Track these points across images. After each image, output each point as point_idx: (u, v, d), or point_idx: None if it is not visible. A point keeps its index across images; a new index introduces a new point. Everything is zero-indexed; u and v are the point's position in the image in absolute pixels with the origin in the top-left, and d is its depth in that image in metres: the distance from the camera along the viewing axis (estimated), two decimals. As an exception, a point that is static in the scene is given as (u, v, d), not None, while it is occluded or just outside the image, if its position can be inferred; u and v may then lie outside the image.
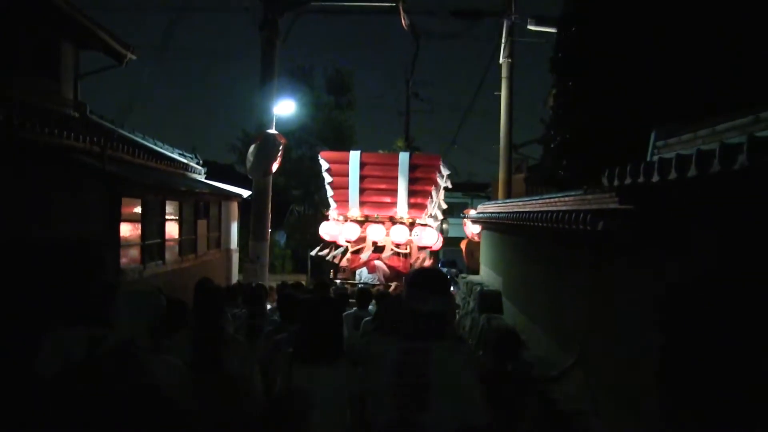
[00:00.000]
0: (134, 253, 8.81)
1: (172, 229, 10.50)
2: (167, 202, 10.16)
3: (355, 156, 14.25)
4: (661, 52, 4.00)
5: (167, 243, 10.14)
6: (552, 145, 5.07)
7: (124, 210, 8.45)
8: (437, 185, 14.39)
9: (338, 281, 13.79)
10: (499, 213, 8.67)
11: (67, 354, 3.14)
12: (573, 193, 5.55)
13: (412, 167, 14.04)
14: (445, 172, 14.34)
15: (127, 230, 8.60)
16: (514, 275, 8.54)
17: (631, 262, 3.91)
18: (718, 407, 3.11)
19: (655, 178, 2.95)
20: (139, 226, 8.95)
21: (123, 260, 8.28)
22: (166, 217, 10.12)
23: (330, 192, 14.79)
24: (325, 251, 14.75)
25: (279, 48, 13.53)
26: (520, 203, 7.97)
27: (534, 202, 7.16)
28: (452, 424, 2.68)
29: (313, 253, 15.42)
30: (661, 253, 3.60)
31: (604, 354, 4.34)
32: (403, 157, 14.24)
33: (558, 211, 5.15)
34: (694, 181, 2.68)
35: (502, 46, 15.11)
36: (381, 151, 20.31)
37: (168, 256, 10.16)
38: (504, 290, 9.15)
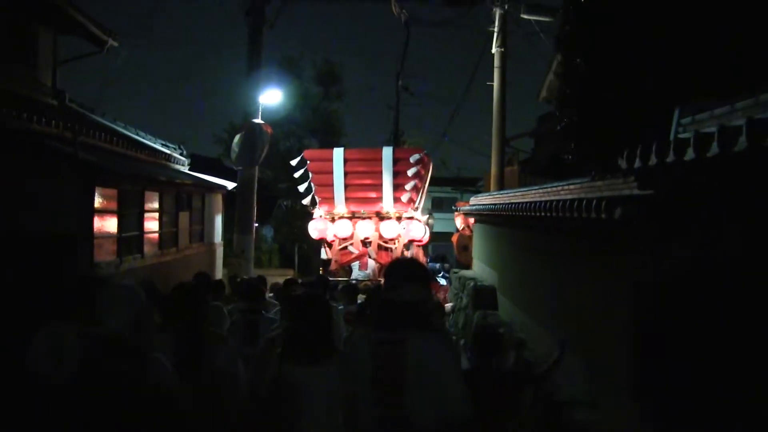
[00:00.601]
0: (110, 246, 8.33)
1: (151, 222, 10.02)
2: (147, 193, 9.67)
3: (338, 153, 14.38)
4: (684, 20, 3.61)
5: (146, 236, 9.66)
6: (558, 127, 4.66)
7: (99, 200, 7.98)
8: (422, 178, 14.47)
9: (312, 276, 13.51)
10: (495, 204, 8.27)
11: (61, 351, 3.04)
12: (579, 181, 5.17)
13: (397, 161, 14.11)
14: (412, 159, 14.28)
15: (103, 222, 8.12)
16: (510, 270, 8.17)
17: (649, 253, 3.51)
18: (746, 406, 2.86)
19: (689, 156, 2.56)
20: (116, 217, 8.46)
21: (97, 254, 7.80)
22: (145, 208, 9.63)
23: (314, 189, 14.80)
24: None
25: (266, 35, 13.07)
26: (518, 194, 7.59)
27: (534, 191, 6.78)
28: (431, 417, 2.58)
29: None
30: (686, 245, 3.22)
31: (612, 353, 3.96)
32: (387, 152, 14.30)
33: (564, 200, 4.76)
34: (734, 160, 2.31)
35: (495, 35, 14.71)
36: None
37: (147, 249, 9.67)
38: (499, 285, 8.78)
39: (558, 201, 4.96)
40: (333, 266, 14.60)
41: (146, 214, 9.67)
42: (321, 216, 14.75)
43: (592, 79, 4.16)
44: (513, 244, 8.08)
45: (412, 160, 14.14)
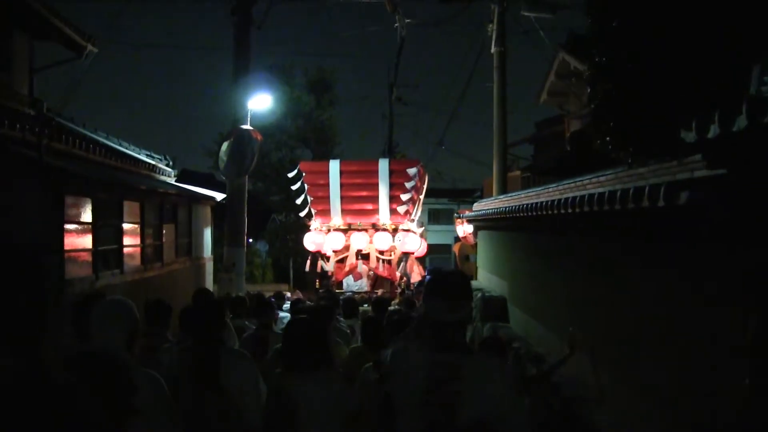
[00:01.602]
0: (84, 261, 7.58)
1: (132, 235, 9.28)
2: (126, 204, 8.93)
3: (335, 165, 14.52)
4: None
5: (126, 250, 8.91)
6: (591, 105, 3.97)
7: (72, 211, 7.25)
8: (419, 190, 14.61)
9: (321, 291, 13.61)
10: (504, 208, 7.56)
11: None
12: (610, 172, 4.48)
13: (393, 173, 14.24)
14: (411, 172, 14.43)
15: (75, 234, 7.38)
16: (523, 278, 7.45)
17: (729, 249, 2.81)
18: None
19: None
20: (90, 229, 7.72)
21: (69, 269, 7.06)
22: (125, 220, 8.89)
23: (311, 202, 14.84)
24: (316, 264, 14.87)
25: (254, 37, 12.39)
26: (531, 194, 6.89)
27: (551, 190, 6.08)
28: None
29: (306, 269, 15.61)
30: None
31: (665, 375, 3.25)
32: (383, 164, 14.49)
33: (595, 195, 4.07)
34: None
35: (493, 33, 14.07)
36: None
37: (128, 264, 8.92)
38: (510, 296, 8.07)
39: (585, 196, 4.27)
40: (335, 279, 14.65)
41: (126, 227, 8.92)
42: (317, 228, 14.71)
43: (633, 39, 3.46)
44: (526, 249, 7.38)
45: (409, 172, 14.20)
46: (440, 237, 29.21)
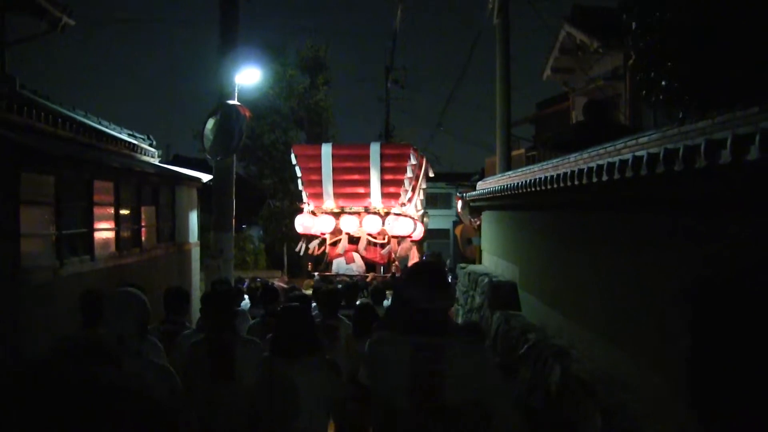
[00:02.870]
0: (45, 246, 6.77)
1: (105, 218, 8.45)
2: (98, 183, 8.08)
3: (327, 148, 14.63)
4: None
5: (98, 234, 8.08)
6: (639, 45, 3.16)
7: (29, 190, 6.42)
8: (410, 174, 14.55)
9: (316, 274, 14.37)
10: (517, 183, 6.76)
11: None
12: (653, 132, 3.70)
13: (384, 157, 14.24)
14: (419, 160, 14.69)
15: (34, 217, 6.57)
16: (539, 262, 6.67)
17: None
18: None
19: None
20: (53, 211, 6.90)
21: (27, 255, 6.26)
22: (96, 201, 8.05)
23: (303, 185, 15.02)
24: (311, 245, 15.05)
25: (242, 3, 11.44)
26: (549, 166, 6.08)
27: (573, 160, 5.28)
28: (472, 417, 2.68)
29: (297, 250, 15.90)
30: None
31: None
32: (374, 148, 14.45)
33: (653, 153, 3.28)
34: None
35: (495, 4, 13.22)
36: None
37: (100, 250, 8.09)
38: (522, 281, 7.30)
39: (630, 158, 3.49)
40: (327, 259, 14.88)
41: (97, 209, 8.08)
42: (309, 211, 14.88)
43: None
44: (542, 230, 6.60)
45: (407, 157, 14.20)
46: (438, 222, 28.50)
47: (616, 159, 3.69)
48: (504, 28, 13.38)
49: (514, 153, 14.49)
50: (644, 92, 3.29)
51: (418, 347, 2.70)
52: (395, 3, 17.41)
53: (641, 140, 3.78)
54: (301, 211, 15.14)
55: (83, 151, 7.93)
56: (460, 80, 33.69)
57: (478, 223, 13.04)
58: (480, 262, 10.98)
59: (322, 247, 14.77)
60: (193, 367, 3.63)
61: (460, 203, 14.09)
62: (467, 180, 27.38)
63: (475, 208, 12.46)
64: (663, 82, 2.93)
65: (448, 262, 20.69)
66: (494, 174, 12.25)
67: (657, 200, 3.67)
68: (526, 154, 15.08)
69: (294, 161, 14.94)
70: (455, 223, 22.30)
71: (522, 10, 13.68)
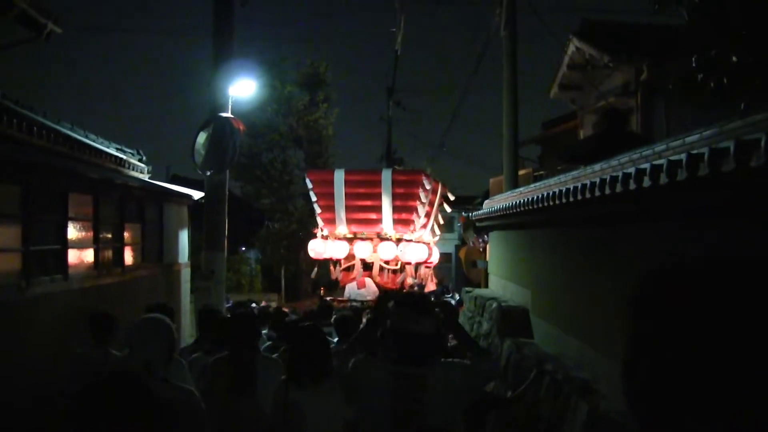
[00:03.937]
0: (8, 263, 6.13)
1: (82, 234, 7.81)
2: (73, 196, 7.44)
3: (339, 174, 14.61)
4: None
5: (72, 251, 7.42)
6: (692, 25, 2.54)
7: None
8: (422, 200, 14.53)
9: (329, 299, 13.92)
10: (531, 198, 6.12)
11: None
12: (702, 131, 3.08)
13: (395, 183, 14.28)
14: (433, 185, 14.71)
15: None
16: (555, 285, 6.01)
17: None
18: None
19: None
20: (19, 225, 6.26)
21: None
22: (71, 215, 7.40)
23: (318, 210, 15.11)
24: (336, 271, 15.00)
25: (237, 9, 10.90)
26: (568, 178, 5.44)
27: (596, 170, 4.66)
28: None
29: (313, 276, 16.10)
30: None
31: None
32: (386, 174, 14.55)
33: (695, 154, 2.68)
34: None
35: (502, 15, 12.73)
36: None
37: (74, 269, 7.43)
38: (534, 305, 6.65)
39: (680, 161, 2.88)
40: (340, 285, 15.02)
41: (72, 224, 7.44)
42: (322, 236, 15.01)
43: None
44: (559, 250, 5.96)
45: (414, 183, 14.23)
46: (440, 245, 27.84)
47: (664, 161, 3.07)
48: (512, 40, 12.92)
49: (522, 172, 13.91)
50: (701, 76, 2.64)
51: (399, 376, 2.80)
52: (397, 21, 16.92)
53: (688, 140, 3.16)
54: (314, 236, 15.22)
55: (55, 160, 7.30)
56: (464, 97, 33.15)
57: (483, 245, 12.48)
58: (486, 286, 10.33)
59: (336, 272, 14.89)
60: (213, 382, 3.82)
61: (462, 224, 13.55)
62: (470, 203, 26.90)
63: (480, 229, 11.89)
64: (734, 58, 2.28)
65: (450, 286, 20.00)
66: (500, 193, 11.63)
67: (707, 208, 3.04)
68: (534, 174, 14.49)
69: (309, 186, 15.02)
70: (458, 247, 21.76)
71: (529, 26, 13.24)
